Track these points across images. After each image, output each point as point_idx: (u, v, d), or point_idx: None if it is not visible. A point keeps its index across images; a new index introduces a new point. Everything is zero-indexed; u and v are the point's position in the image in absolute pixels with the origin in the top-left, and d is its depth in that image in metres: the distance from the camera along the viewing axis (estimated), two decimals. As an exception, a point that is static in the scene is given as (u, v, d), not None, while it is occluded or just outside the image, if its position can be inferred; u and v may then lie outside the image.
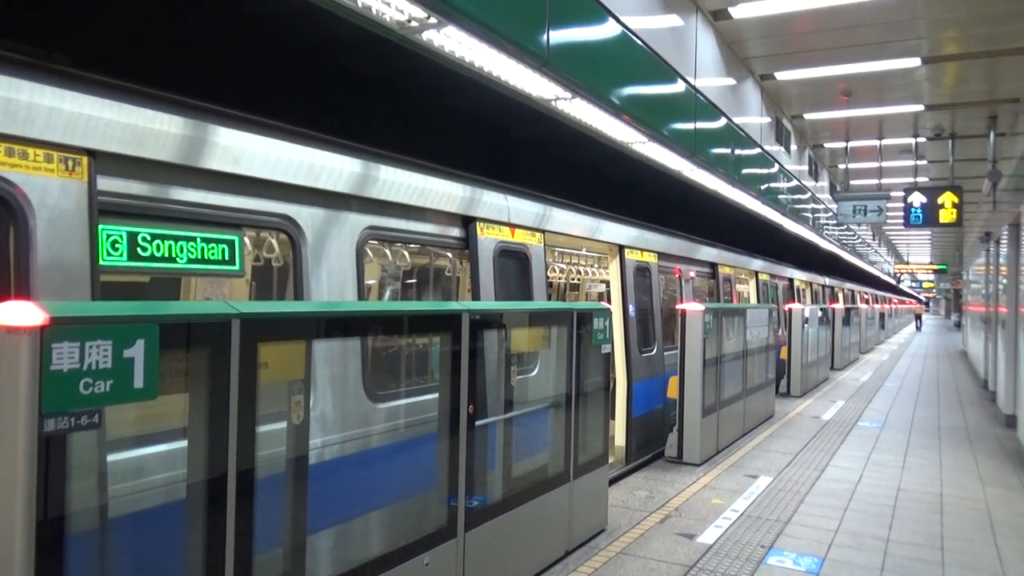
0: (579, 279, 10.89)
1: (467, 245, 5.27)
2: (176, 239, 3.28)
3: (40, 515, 2.08)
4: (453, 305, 4.14)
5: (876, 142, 14.67)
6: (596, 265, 10.51)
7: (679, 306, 8.33)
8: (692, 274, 10.38)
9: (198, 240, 3.39)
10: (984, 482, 7.78)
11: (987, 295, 16.45)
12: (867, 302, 31.92)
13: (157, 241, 3.21)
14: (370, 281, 6.05)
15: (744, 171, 10.42)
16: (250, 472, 2.73)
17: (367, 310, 3.83)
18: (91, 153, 2.90)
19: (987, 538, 5.94)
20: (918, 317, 53.14)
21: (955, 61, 10.11)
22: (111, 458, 2.67)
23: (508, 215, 5.69)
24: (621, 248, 7.99)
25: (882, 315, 35.49)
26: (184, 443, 2.72)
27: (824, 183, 18.02)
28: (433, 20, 4.04)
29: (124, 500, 2.84)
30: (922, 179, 17.02)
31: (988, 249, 15.96)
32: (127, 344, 2.25)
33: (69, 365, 2.11)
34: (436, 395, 4.21)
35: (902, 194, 13.49)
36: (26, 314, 2.06)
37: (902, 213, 13.56)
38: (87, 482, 2.43)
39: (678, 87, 7.74)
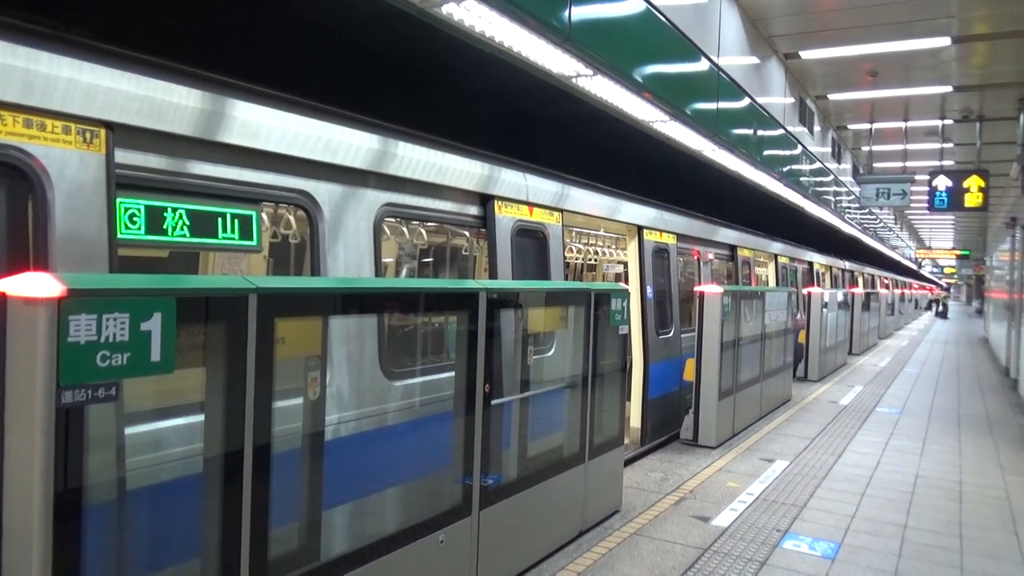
0: (597, 259, 10.83)
1: (485, 223, 5.23)
2: (193, 213, 3.27)
3: (58, 487, 2.09)
4: (470, 283, 4.11)
5: (901, 124, 14.41)
6: (614, 246, 10.44)
7: (697, 288, 8.26)
8: (711, 256, 10.28)
9: (215, 215, 3.38)
10: (1004, 470, 7.68)
11: (1011, 282, 16.20)
12: (887, 287, 31.57)
13: (174, 215, 3.20)
14: (387, 259, 6.04)
15: (766, 152, 10.26)
16: (266, 447, 2.73)
17: (384, 287, 3.81)
18: (109, 125, 2.89)
19: (1007, 526, 5.87)
20: (936, 302, 46.90)
21: (985, 40, 9.86)
22: (127, 431, 2.68)
23: (526, 194, 5.64)
24: (640, 229, 7.91)
25: (902, 300, 35.08)
26: (201, 417, 2.72)
27: (847, 165, 17.75)
28: (453, -7, 3.97)
29: (141, 473, 2.85)
30: (948, 162, 16.72)
31: (1014, 235, 15.69)
32: (144, 317, 2.24)
33: (86, 337, 2.11)
34: (452, 374, 4.20)
35: (927, 177, 13.25)
36: (43, 285, 2.05)
37: (926, 197, 13.33)
38: (104, 454, 2.43)
39: (701, 65, 7.61)
